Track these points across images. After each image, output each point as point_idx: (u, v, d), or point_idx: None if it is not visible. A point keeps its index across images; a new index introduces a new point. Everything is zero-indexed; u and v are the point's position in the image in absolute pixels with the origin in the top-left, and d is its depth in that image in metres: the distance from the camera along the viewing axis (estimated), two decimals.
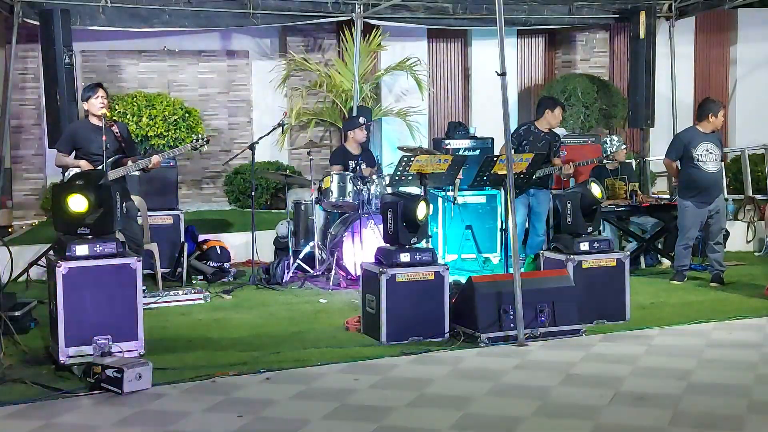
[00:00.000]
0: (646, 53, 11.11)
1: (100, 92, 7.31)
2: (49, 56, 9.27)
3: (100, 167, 7.14)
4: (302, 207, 9.17)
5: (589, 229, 6.99)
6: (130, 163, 7.38)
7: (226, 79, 12.15)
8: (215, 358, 5.88)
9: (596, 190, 7.02)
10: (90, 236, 5.68)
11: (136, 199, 8.40)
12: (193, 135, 10.72)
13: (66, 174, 7.39)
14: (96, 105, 7.25)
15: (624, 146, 9.63)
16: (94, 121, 7.32)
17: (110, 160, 7.26)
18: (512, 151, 6.82)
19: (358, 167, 9.03)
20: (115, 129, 7.35)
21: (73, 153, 7.44)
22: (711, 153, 8.33)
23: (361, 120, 9.29)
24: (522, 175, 8.05)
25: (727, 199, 11.12)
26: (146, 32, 10.86)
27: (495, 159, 8.13)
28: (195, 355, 6.00)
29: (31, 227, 10.38)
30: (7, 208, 10.63)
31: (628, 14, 11.51)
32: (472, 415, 4.78)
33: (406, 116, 12.05)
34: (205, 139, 7.84)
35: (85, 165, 7.23)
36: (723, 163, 8.47)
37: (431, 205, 6.72)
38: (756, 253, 10.27)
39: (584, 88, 12.01)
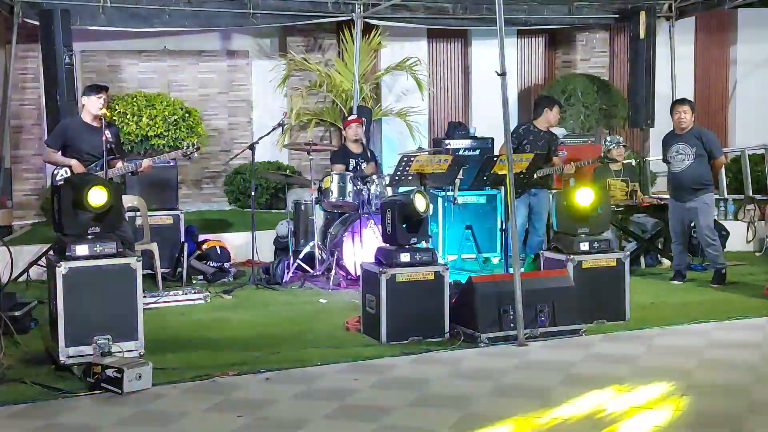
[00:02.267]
0: (646, 53, 11.11)
1: (104, 95, 7.22)
2: (49, 56, 9.28)
3: (90, 167, 7.11)
4: (302, 207, 9.17)
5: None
6: (120, 164, 7.32)
7: (226, 79, 12.15)
8: (215, 358, 5.87)
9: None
10: (90, 236, 5.68)
11: (137, 200, 8.42)
12: (193, 134, 10.74)
13: (55, 172, 7.29)
14: (96, 104, 7.14)
15: (614, 145, 9.56)
16: (87, 119, 7.21)
17: (97, 161, 7.20)
18: (512, 151, 6.81)
19: (358, 166, 9.03)
20: (107, 131, 7.24)
21: (60, 151, 7.32)
22: (681, 154, 8.40)
23: (350, 118, 9.24)
24: (522, 175, 8.06)
25: (726, 199, 11.13)
26: (146, 32, 10.87)
27: (495, 159, 8.13)
28: (195, 355, 6.00)
29: (31, 227, 10.38)
30: (7, 208, 10.62)
31: (628, 14, 11.51)
32: (472, 415, 4.78)
33: (406, 116, 12.06)
34: (196, 146, 7.79)
35: (76, 165, 7.11)
36: (704, 158, 8.44)
37: (429, 203, 6.65)
38: (756, 253, 10.26)
39: (584, 88, 12.02)
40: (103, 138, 6.93)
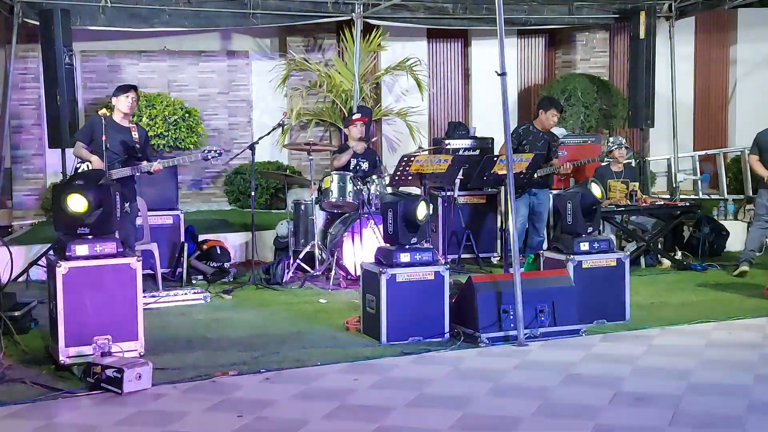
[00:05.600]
0: (646, 53, 11.11)
1: (132, 93, 7.48)
2: (49, 56, 9.27)
3: (109, 164, 7.26)
4: (302, 207, 9.17)
5: (590, 229, 6.98)
6: (144, 164, 7.44)
7: (226, 79, 12.15)
8: (215, 358, 5.88)
9: (596, 190, 7.01)
10: (90, 236, 5.68)
11: (137, 199, 8.41)
12: (193, 134, 10.73)
13: (77, 165, 7.49)
14: (125, 103, 7.42)
15: (616, 146, 9.53)
16: (117, 118, 7.46)
17: (120, 159, 7.34)
18: (512, 151, 6.81)
19: (358, 166, 9.03)
20: (134, 132, 7.49)
21: (88, 145, 7.50)
22: None
23: (355, 116, 9.21)
24: (522, 175, 8.06)
25: (726, 199, 11.14)
26: (146, 32, 10.87)
27: (495, 159, 8.14)
28: (195, 355, 6.00)
29: (31, 227, 10.38)
30: (7, 208, 10.63)
31: (628, 14, 11.51)
32: (472, 415, 4.78)
33: (406, 116, 12.06)
34: (218, 152, 7.88)
35: (96, 161, 7.30)
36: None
37: (431, 205, 6.68)
38: (756, 253, 10.25)
39: (584, 88, 12.02)
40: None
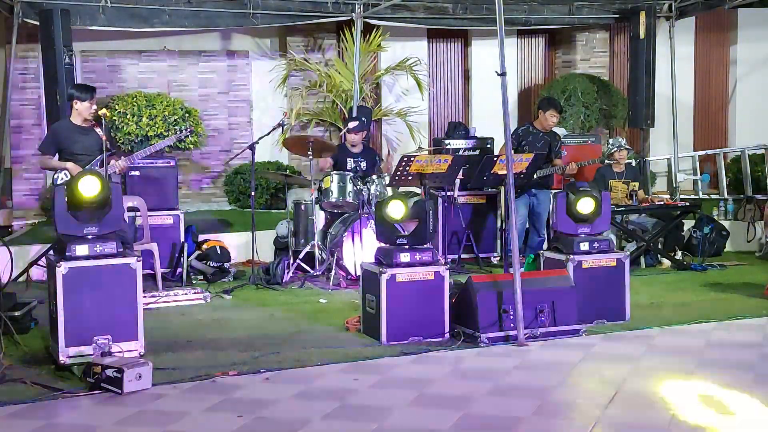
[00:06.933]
0: (646, 53, 11.11)
1: (95, 99, 7.35)
2: (49, 56, 9.27)
3: (87, 167, 7.15)
4: (302, 207, 9.17)
5: (579, 230, 6.90)
6: (112, 162, 7.38)
7: (226, 79, 12.16)
8: (215, 358, 5.87)
9: (587, 207, 6.86)
10: (91, 237, 5.68)
11: (137, 200, 8.42)
12: (193, 134, 10.73)
13: (55, 177, 7.33)
14: (90, 110, 7.26)
15: (617, 148, 9.52)
16: (77, 121, 7.32)
17: (97, 159, 7.26)
18: (512, 151, 6.80)
19: (357, 166, 9.03)
20: (98, 130, 7.32)
21: (56, 155, 7.39)
22: None
23: (351, 125, 9.19)
24: (522, 175, 8.05)
25: (726, 199, 11.14)
26: (146, 32, 10.87)
27: (495, 159, 8.14)
28: (195, 355, 6.00)
29: (31, 227, 10.38)
30: (7, 208, 10.63)
31: (628, 14, 11.51)
32: (472, 415, 4.78)
33: (406, 116, 12.06)
34: (189, 129, 7.89)
35: (72, 167, 7.18)
36: None
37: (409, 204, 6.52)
38: (756, 253, 10.26)
39: (584, 88, 12.02)
40: (103, 138, 7.01)
